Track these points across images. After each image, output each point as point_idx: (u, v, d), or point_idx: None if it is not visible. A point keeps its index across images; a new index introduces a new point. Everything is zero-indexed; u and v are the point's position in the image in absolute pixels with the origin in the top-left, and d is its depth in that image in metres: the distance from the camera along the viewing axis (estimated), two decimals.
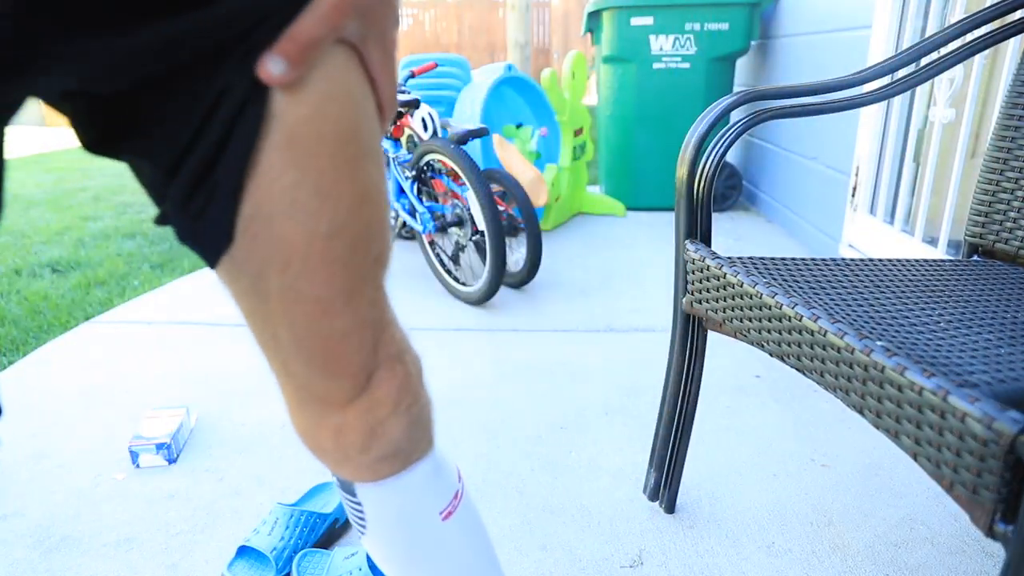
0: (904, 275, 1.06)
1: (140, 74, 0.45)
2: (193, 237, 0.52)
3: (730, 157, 4.12)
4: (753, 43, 3.68)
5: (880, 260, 1.12)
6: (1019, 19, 1.23)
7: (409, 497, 0.67)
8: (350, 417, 0.61)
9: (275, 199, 0.49)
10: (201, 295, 2.52)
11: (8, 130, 0.47)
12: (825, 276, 1.02)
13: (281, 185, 0.49)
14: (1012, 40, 1.67)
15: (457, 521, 0.71)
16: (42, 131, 8.84)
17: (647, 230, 3.36)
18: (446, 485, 0.70)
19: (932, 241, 2.11)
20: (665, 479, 1.28)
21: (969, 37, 1.22)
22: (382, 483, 0.65)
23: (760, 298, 0.91)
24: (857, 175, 2.54)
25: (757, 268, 1.02)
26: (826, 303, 0.91)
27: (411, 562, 0.71)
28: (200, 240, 0.52)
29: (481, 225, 2.26)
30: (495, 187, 2.52)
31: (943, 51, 1.23)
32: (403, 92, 2.57)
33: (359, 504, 0.68)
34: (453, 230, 2.49)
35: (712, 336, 1.11)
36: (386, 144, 2.70)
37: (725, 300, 1.00)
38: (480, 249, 2.40)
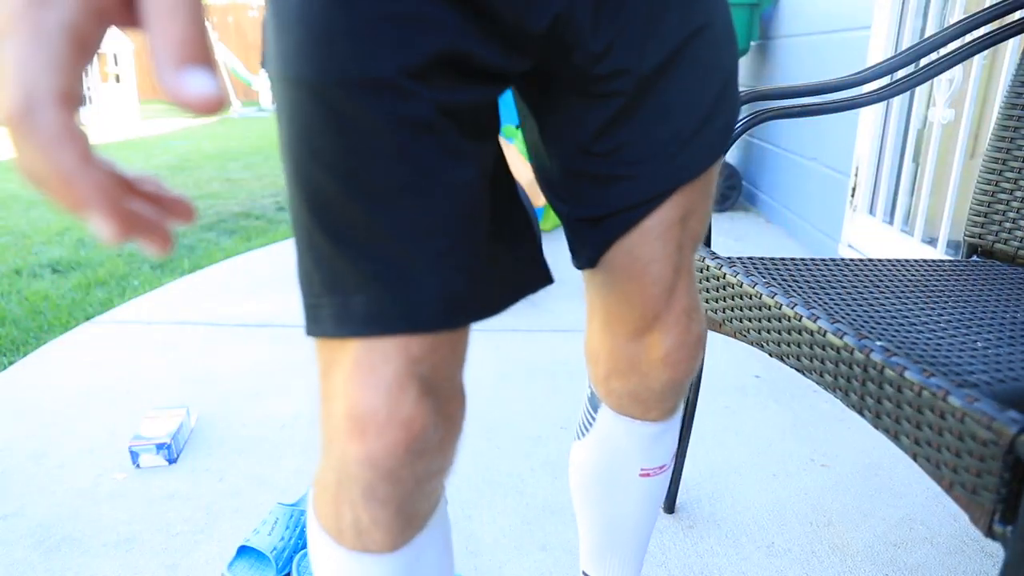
0: (903, 275, 1.06)
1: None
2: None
3: (730, 157, 4.12)
4: (753, 43, 3.68)
5: (879, 260, 1.12)
6: (1018, 20, 1.23)
7: (626, 439, 0.78)
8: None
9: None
10: (201, 295, 2.52)
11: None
12: (824, 276, 1.02)
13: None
14: (1011, 41, 1.67)
15: (650, 488, 0.82)
16: None
17: None
18: (659, 455, 0.80)
19: (931, 241, 2.11)
20: None
21: (968, 38, 1.22)
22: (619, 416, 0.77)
23: (760, 298, 0.91)
24: (856, 175, 2.54)
25: (757, 268, 1.02)
26: (825, 303, 0.91)
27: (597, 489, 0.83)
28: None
29: None
30: None
31: (942, 52, 1.23)
32: None
33: (593, 419, 0.80)
34: None
35: (712, 336, 1.12)
36: None
37: (725, 300, 1.00)
38: None
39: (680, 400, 0.77)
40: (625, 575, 0.88)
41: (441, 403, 0.55)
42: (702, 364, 1.18)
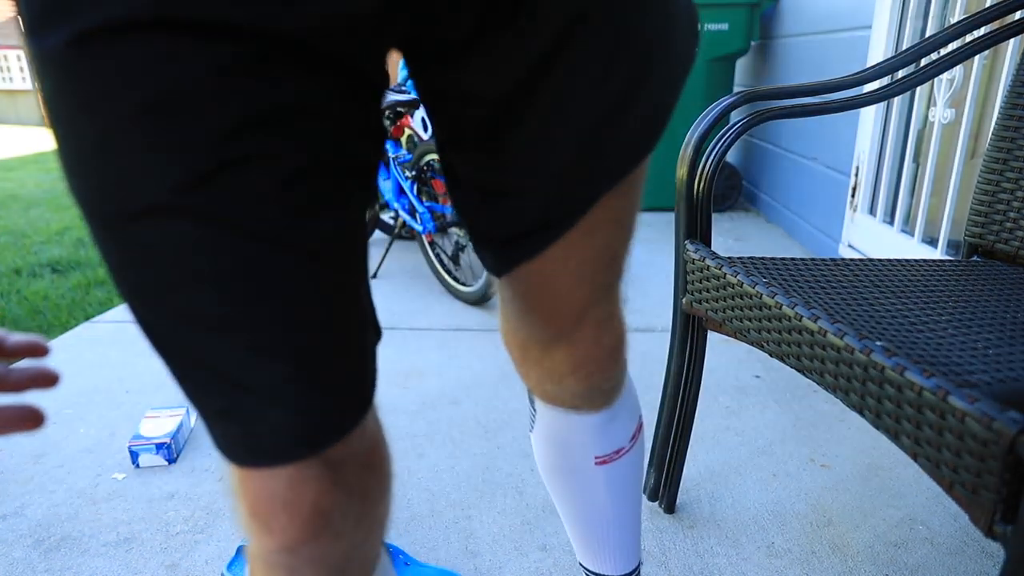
0: (904, 275, 1.06)
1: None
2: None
3: (730, 157, 4.12)
4: (753, 43, 3.68)
5: (880, 260, 1.12)
6: (1018, 20, 1.23)
7: (569, 432, 0.76)
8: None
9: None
10: None
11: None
12: (825, 276, 1.02)
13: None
14: (1011, 41, 1.67)
15: (612, 474, 0.80)
16: (42, 131, 8.85)
17: (647, 230, 3.36)
18: (610, 441, 0.78)
19: (931, 241, 2.11)
20: (665, 479, 1.28)
21: (968, 38, 1.22)
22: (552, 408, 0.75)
23: (760, 298, 0.91)
24: (857, 175, 2.54)
25: (757, 268, 1.02)
26: (826, 303, 0.91)
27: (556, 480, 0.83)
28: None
29: None
30: None
31: (943, 52, 1.23)
32: (403, 92, 2.57)
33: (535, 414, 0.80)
34: (453, 230, 2.49)
35: (712, 336, 1.11)
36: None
37: (725, 300, 1.00)
38: None
39: (615, 390, 0.75)
40: (617, 565, 0.87)
41: (353, 481, 0.52)
42: (701, 367, 1.18)
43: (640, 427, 0.83)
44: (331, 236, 0.45)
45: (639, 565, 0.91)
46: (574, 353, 0.67)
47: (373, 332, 0.54)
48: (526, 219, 0.58)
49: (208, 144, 0.39)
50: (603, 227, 0.60)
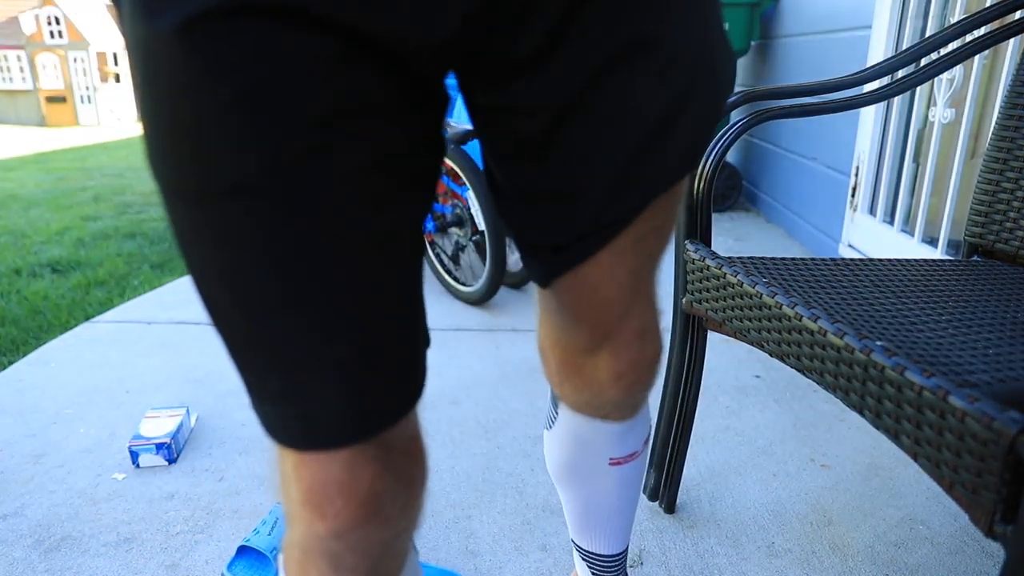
0: (904, 275, 1.06)
1: None
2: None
3: (730, 157, 4.12)
4: (753, 43, 3.68)
5: (880, 260, 1.12)
6: (1018, 20, 1.23)
7: (592, 436, 0.79)
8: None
9: None
10: None
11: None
12: (825, 276, 1.02)
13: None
14: (1011, 40, 1.67)
15: (622, 473, 0.83)
16: (42, 131, 8.85)
17: None
18: (627, 446, 0.81)
19: (931, 241, 2.11)
20: (665, 479, 1.28)
21: (968, 38, 1.22)
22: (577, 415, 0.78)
23: (760, 298, 0.91)
24: (857, 175, 2.54)
25: (757, 268, 1.02)
26: (826, 303, 0.91)
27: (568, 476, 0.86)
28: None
29: (481, 225, 2.26)
30: None
31: (943, 51, 1.23)
32: None
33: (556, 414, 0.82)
34: (453, 230, 2.49)
35: (712, 336, 1.11)
36: None
37: (725, 300, 1.00)
38: (480, 249, 2.40)
39: (645, 401, 0.79)
40: (611, 547, 0.91)
41: (400, 467, 0.54)
42: (701, 367, 1.18)
43: (651, 432, 0.86)
44: (397, 230, 0.48)
45: (627, 547, 0.94)
46: (617, 363, 0.68)
47: (425, 331, 0.56)
48: (577, 225, 0.58)
49: (296, 131, 0.41)
50: (650, 235, 0.61)
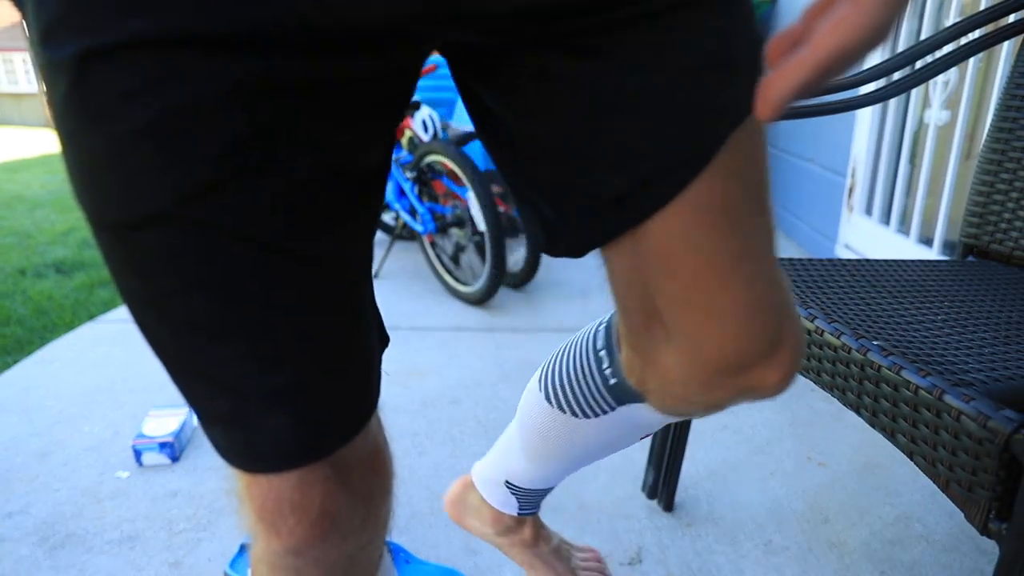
0: (900, 275, 1.07)
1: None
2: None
3: None
4: None
5: (876, 261, 1.13)
6: (1013, 22, 1.24)
7: (649, 421, 0.70)
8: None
9: None
10: None
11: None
12: (822, 276, 1.03)
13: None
14: (1005, 43, 1.69)
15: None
16: (47, 133, 8.83)
17: None
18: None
19: (927, 242, 2.12)
20: (663, 477, 1.29)
21: (963, 40, 1.23)
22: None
23: None
24: (853, 176, 2.55)
25: None
26: (823, 303, 0.92)
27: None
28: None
29: (481, 226, 2.27)
30: (495, 188, 2.53)
31: (938, 54, 1.24)
32: None
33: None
34: (453, 231, 2.50)
35: None
36: None
37: None
38: (480, 249, 2.41)
39: None
40: (556, 481, 0.89)
41: (356, 483, 0.52)
42: None
43: None
44: (333, 247, 0.46)
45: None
46: (775, 373, 0.56)
47: (379, 339, 0.55)
48: (639, 166, 0.48)
49: (212, 157, 0.40)
50: (731, 187, 0.50)
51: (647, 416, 0.68)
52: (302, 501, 0.49)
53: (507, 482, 0.91)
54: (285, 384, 0.46)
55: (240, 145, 0.40)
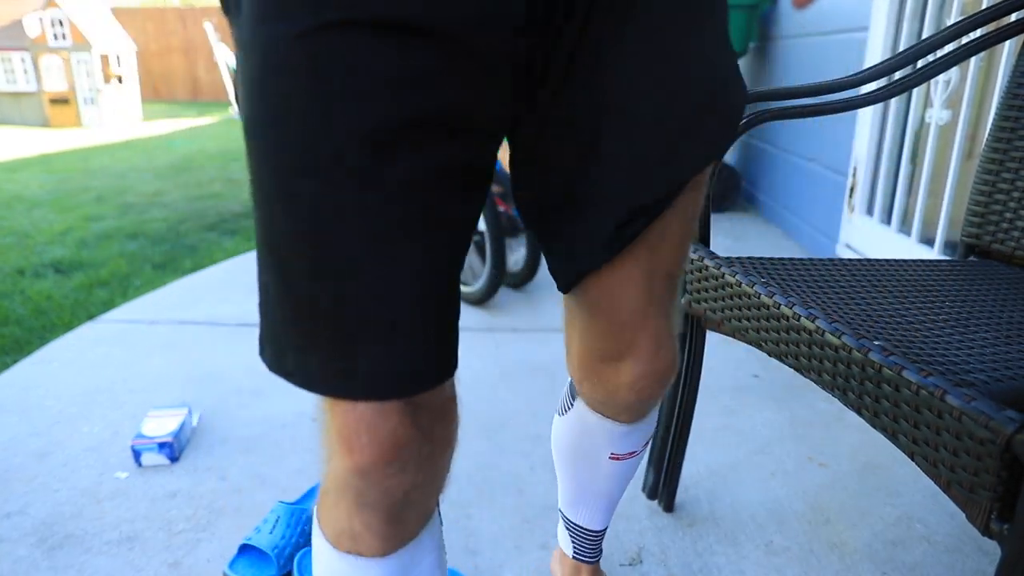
0: (901, 275, 1.07)
1: None
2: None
3: (729, 158, 4.13)
4: (751, 45, 3.69)
5: (877, 260, 1.13)
6: (1014, 22, 1.23)
7: (599, 432, 0.85)
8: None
9: None
10: (203, 295, 2.53)
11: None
12: (823, 276, 1.03)
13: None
14: (1007, 42, 1.68)
15: (619, 467, 0.90)
16: (46, 132, 8.84)
17: None
18: (628, 445, 0.87)
19: (928, 242, 2.12)
20: (664, 478, 1.28)
21: (965, 39, 1.23)
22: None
23: (758, 298, 0.92)
24: (854, 176, 2.55)
25: (755, 268, 1.03)
26: (824, 303, 0.91)
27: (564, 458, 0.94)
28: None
29: (481, 225, 2.27)
30: (495, 187, 2.52)
31: (939, 53, 1.24)
32: None
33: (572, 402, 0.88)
34: None
35: (711, 336, 1.12)
36: None
37: (723, 300, 1.01)
38: (480, 249, 2.41)
39: (651, 409, 0.84)
40: (595, 523, 1.00)
41: (426, 422, 0.59)
42: (700, 366, 1.19)
43: (651, 435, 0.92)
44: (461, 219, 0.57)
45: (607, 526, 1.03)
46: (633, 368, 0.73)
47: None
48: (611, 219, 0.63)
49: (384, 127, 0.49)
50: (668, 238, 0.66)
51: (591, 426, 0.85)
52: (378, 423, 0.56)
53: (559, 509, 1.04)
54: (399, 319, 0.53)
55: (406, 120, 0.50)
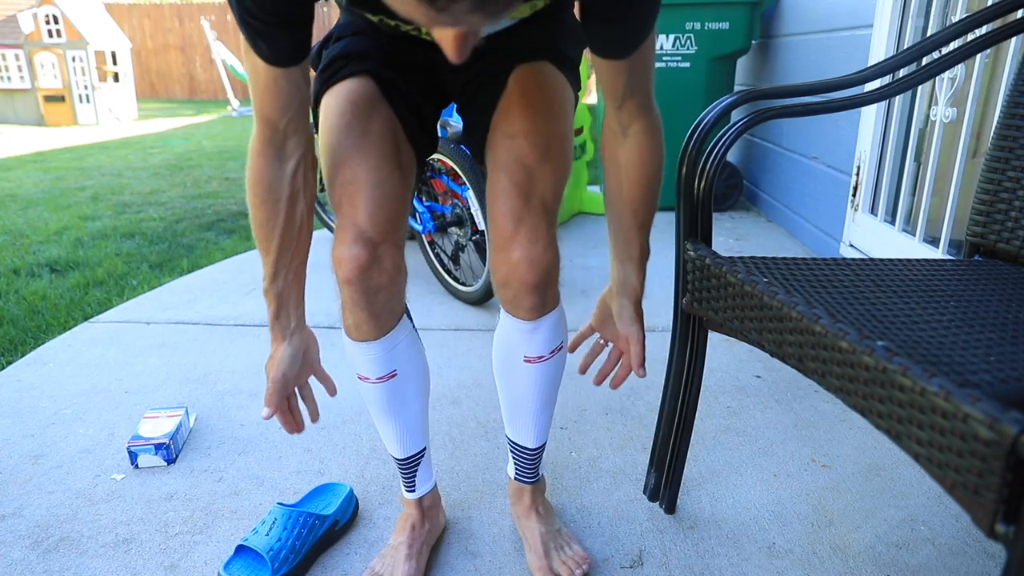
0: (905, 275, 1.06)
1: None
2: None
3: (731, 157, 4.12)
4: (754, 42, 3.68)
5: (881, 260, 1.12)
6: (1020, 18, 1.22)
7: (507, 331, 1.07)
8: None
9: None
10: (200, 295, 2.52)
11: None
12: (826, 276, 1.01)
13: None
14: (1013, 39, 1.67)
15: (534, 372, 1.08)
16: (40, 130, 8.84)
17: None
18: (535, 348, 1.05)
19: (933, 241, 2.10)
20: (665, 479, 1.27)
21: (970, 36, 1.22)
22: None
23: (761, 298, 0.90)
24: (858, 175, 2.53)
25: (758, 268, 1.02)
26: (827, 303, 0.90)
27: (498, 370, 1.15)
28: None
29: (481, 225, 2.26)
30: None
31: (944, 50, 1.23)
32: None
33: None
34: (453, 230, 2.49)
35: (713, 336, 1.11)
36: None
37: (725, 300, 1.00)
38: (480, 249, 2.40)
39: (542, 305, 1.01)
40: (527, 439, 1.16)
41: (380, 256, 0.94)
42: (702, 367, 1.18)
43: (561, 347, 1.08)
44: (412, 94, 1.05)
45: (544, 444, 1.18)
46: (503, 268, 0.98)
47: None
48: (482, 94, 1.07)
49: (381, 46, 1.03)
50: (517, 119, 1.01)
51: (507, 331, 1.07)
52: (354, 247, 0.93)
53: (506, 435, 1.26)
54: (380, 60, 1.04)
55: (392, 49, 1.04)
